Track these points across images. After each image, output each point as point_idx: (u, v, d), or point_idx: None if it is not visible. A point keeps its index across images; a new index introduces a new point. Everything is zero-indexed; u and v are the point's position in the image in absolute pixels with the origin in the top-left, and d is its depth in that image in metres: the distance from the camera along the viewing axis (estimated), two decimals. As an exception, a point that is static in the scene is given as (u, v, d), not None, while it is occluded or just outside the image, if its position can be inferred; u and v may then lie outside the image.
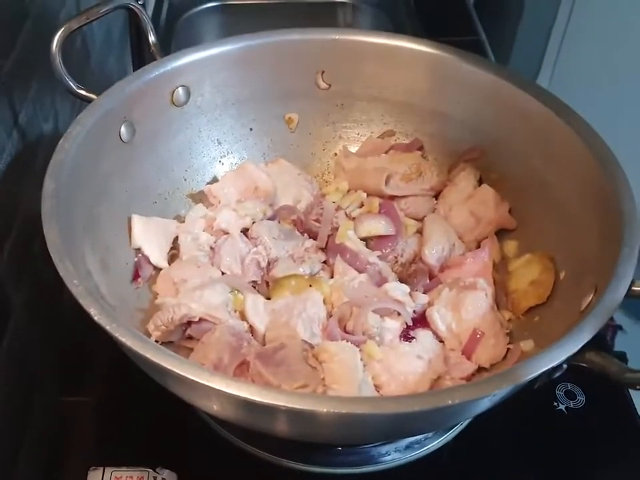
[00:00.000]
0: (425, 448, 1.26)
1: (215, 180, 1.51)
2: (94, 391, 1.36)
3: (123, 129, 1.32)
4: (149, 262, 1.34)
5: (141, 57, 1.85)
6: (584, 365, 0.99)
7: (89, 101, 1.30)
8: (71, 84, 1.31)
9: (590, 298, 1.07)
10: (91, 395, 1.35)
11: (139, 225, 1.34)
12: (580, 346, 0.95)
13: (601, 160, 1.21)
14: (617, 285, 1.02)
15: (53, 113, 1.43)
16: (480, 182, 1.45)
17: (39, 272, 1.28)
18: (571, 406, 1.32)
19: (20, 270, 1.23)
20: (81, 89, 1.32)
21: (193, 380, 0.91)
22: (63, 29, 1.27)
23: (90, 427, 1.32)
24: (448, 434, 1.28)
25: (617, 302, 1.01)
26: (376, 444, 1.25)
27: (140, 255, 1.34)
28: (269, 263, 1.35)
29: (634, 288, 1.04)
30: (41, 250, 1.09)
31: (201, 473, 1.24)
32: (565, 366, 0.98)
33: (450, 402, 0.89)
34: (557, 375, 1.00)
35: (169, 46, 2.09)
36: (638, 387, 0.95)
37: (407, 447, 1.26)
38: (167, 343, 1.23)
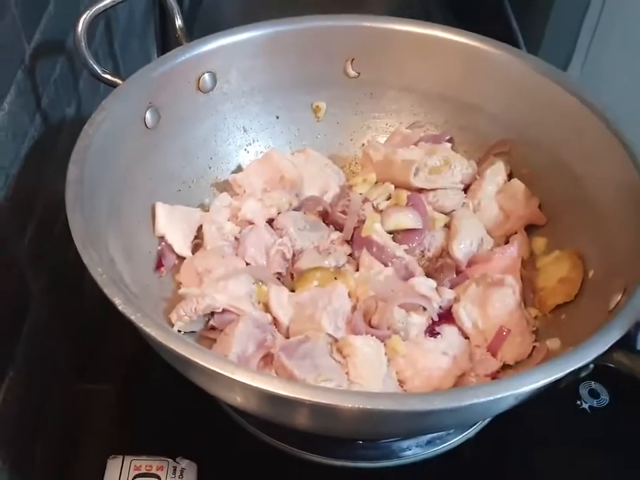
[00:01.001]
0: (447, 443, 1.27)
1: (239, 168, 1.52)
2: (113, 379, 1.38)
3: (148, 115, 1.33)
4: (173, 251, 1.35)
5: (166, 41, 1.87)
6: (611, 365, 0.99)
7: (114, 85, 1.31)
8: (96, 68, 1.31)
9: (619, 298, 1.08)
10: (111, 383, 1.37)
11: (163, 212, 1.35)
12: (607, 346, 0.96)
13: (636, 158, 1.22)
14: None
15: (76, 97, 1.43)
16: (510, 176, 1.45)
17: (58, 258, 1.29)
18: (595, 405, 1.33)
19: (40, 256, 1.24)
20: (106, 73, 1.32)
21: (217, 372, 0.92)
22: (88, 11, 1.27)
23: (109, 415, 1.35)
24: (470, 430, 1.29)
25: None
26: (396, 439, 1.26)
27: (163, 243, 1.35)
28: (294, 255, 1.36)
29: (665, 289, 1.04)
30: (61, 236, 1.11)
31: (222, 464, 1.25)
32: (591, 366, 0.99)
33: (475, 400, 0.90)
34: (584, 374, 1.00)
35: (192, 30, 2.07)
36: None
37: (429, 442, 1.27)
38: (189, 333, 1.24)
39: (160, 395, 1.33)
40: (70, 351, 1.38)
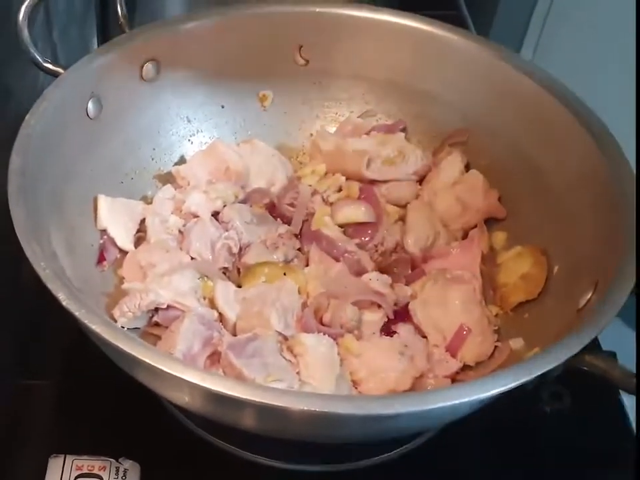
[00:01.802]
0: (404, 446, 1.25)
1: (183, 160, 1.50)
2: (54, 375, 1.35)
3: (90, 105, 1.31)
4: (115, 244, 1.33)
5: (106, 28, 1.85)
6: (584, 367, 0.97)
7: (56, 75, 1.29)
8: (38, 57, 1.30)
9: (589, 295, 1.07)
10: (51, 379, 1.34)
11: (105, 205, 1.33)
12: (581, 347, 0.94)
13: (602, 145, 1.21)
14: (622, 281, 1.01)
15: (16, 87, 1.42)
16: (467, 167, 1.44)
17: None
18: (556, 407, 1.31)
19: None
20: (47, 62, 1.31)
21: (165, 371, 0.90)
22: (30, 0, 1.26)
23: (50, 412, 1.32)
24: (427, 433, 1.26)
25: (623, 299, 0.99)
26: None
27: (105, 236, 1.33)
28: (240, 249, 1.34)
29: (642, 284, 1.03)
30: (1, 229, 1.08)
31: (165, 465, 1.23)
32: (561, 368, 0.96)
33: (440, 404, 0.88)
34: (552, 376, 0.97)
35: (132, 17, 2.05)
36: None
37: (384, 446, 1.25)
38: (133, 329, 1.23)
39: (103, 393, 1.29)
40: (8, 345, 1.36)
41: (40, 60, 1.30)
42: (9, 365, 1.35)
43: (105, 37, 1.85)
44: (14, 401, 1.31)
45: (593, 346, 0.97)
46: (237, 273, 1.33)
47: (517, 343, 1.19)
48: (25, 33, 1.26)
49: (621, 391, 1.32)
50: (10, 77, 1.40)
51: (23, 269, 1.04)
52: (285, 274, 1.28)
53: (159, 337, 1.21)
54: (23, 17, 1.25)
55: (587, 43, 2.55)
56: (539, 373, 0.91)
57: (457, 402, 0.89)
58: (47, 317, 1.32)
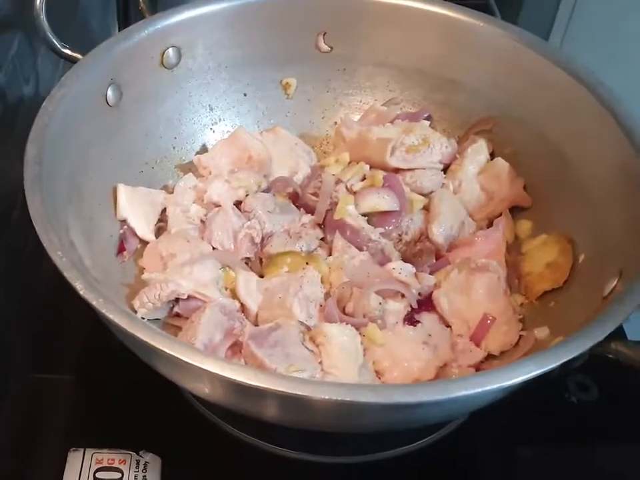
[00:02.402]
0: (428, 438, 1.26)
1: (204, 148, 1.51)
2: (74, 369, 1.36)
3: (109, 92, 1.31)
4: (135, 235, 1.34)
5: (127, 14, 1.88)
6: (609, 355, 0.97)
7: (74, 61, 1.29)
8: (56, 42, 1.31)
9: (614, 283, 1.06)
10: (72, 373, 1.35)
11: (125, 195, 1.34)
12: (605, 334, 0.94)
13: (631, 135, 1.20)
14: None
15: (34, 74, 1.42)
16: (492, 155, 1.44)
17: (17, 244, 1.28)
18: (583, 398, 1.31)
19: None
20: (66, 47, 1.32)
21: (184, 361, 0.90)
22: None
23: (70, 406, 1.32)
24: (451, 423, 1.27)
25: None
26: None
27: (125, 227, 1.33)
28: (263, 239, 1.35)
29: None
30: (19, 221, 1.09)
31: (186, 457, 1.23)
32: (586, 356, 0.96)
33: (463, 392, 0.89)
34: (577, 365, 0.98)
35: (156, 2, 2.07)
36: None
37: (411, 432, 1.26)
38: (153, 320, 1.24)
39: (122, 385, 1.30)
40: (28, 340, 1.37)
41: (58, 46, 1.31)
42: (29, 358, 1.36)
43: (126, 24, 1.83)
44: (34, 395, 1.32)
45: (619, 334, 0.97)
46: (259, 263, 1.34)
47: (542, 332, 1.18)
48: (42, 19, 1.27)
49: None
50: (28, 64, 1.40)
51: (43, 262, 1.04)
52: (307, 263, 1.29)
53: (179, 328, 1.22)
54: (40, 2, 1.26)
55: (616, 30, 2.55)
56: (563, 361, 0.92)
57: (479, 390, 0.89)
58: (66, 310, 1.33)
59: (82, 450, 1.19)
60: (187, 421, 1.27)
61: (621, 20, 2.53)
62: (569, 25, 2.67)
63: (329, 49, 1.51)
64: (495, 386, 0.90)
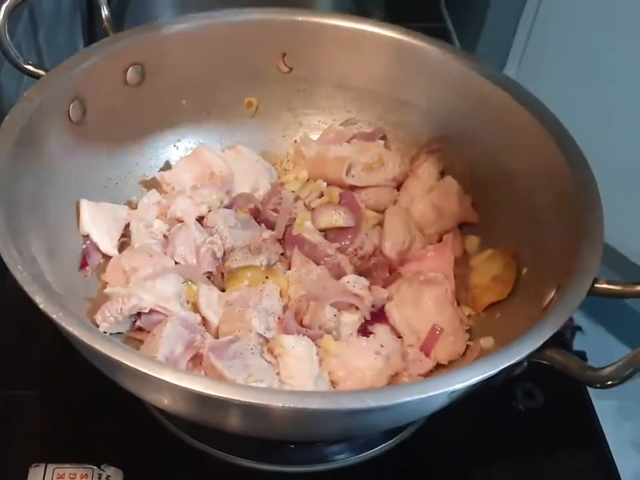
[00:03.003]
0: (380, 446, 1.28)
1: (168, 165, 1.52)
2: (35, 384, 1.35)
3: (72, 108, 1.32)
4: (98, 249, 1.35)
5: (93, 31, 1.87)
6: (545, 362, 1.02)
7: (37, 77, 1.30)
8: (18, 59, 1.31)
9: (552, 295, 1.10)
10: (32, 388, 1.34)
11: (88, 210, 1.34)
12: (541, 342, 0.98)
13: (566, 152, 1.25)
14: (580, 282, 1.06)
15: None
16: (442, 174, 1.47)
17: None
18: (530, 405, 1.35)
19: None
20: (29, 64, 1.33)
21: (144, 372, 0.92)
22: (8, 0, 1.27)
23: (31, 421, 1.32)
24: (403, 432, 1.29)
25: (580, 299, 1.04)
26: (328, 442, 1.27)
27: (88, 241, 1.34)
28: (224, 253, 1.36)
29: (597, 285, 1.07)
30: None
31: (149, 471, 1.24)
32: (525, 363, 1.01)
33: (408, 398, 0.92)
34: (518, 372, 1.03)
35: (122, 20, 2.08)
36: (598, 385, 0.98)
37: (362, 446, 1.28)
38: (115, 334, 1.24)
39: (83, 399, 1.31)
40: None
41: (20, 62, 1.32)
42: None
43: (91, 39, 1.87)
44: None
45: (560, 343, 1.02)
46: (220, 277, 1.35)
47: (487, 342, 1.23)
48: (4, 34, 1.27)
49: (588, 389, 1.37)
50: None
51: (5, 278, 1.04)
52: (267, 277, 1.32)
53: (142, 342, 1.23)
54: (3, 17, 1.27)
55: (571, 55, 2.60)
56: (501, 368, 0.96)
57: (424, 395, 0.92)
58: (28, 325, 1.33)
59: (43, 465, 1.20)
60: (149, 434, 1.27)
61: (576, 45, 2.58)
62: (525, 49, 2.72)
63: (289, 69, 1.53)
64: (439, 391, 0.94)
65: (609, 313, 2.10)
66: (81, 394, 1.31)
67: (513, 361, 0.97)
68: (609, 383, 0.97)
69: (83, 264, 1.33)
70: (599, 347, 1.12)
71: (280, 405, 0.90)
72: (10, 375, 1.36)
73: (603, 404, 1.45)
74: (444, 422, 1.26)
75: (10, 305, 1.38)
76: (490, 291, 1.30)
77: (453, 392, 0.96)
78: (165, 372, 0.92)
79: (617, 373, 0.96)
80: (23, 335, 1.40)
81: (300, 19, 1.50)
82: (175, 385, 0.91)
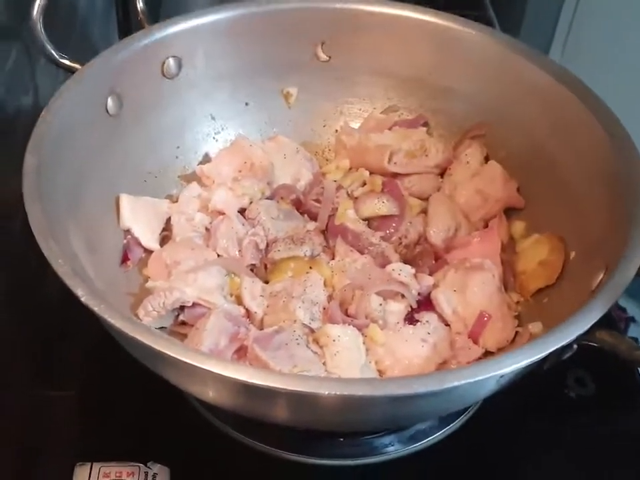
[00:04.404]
0: (430, 438, 1.28)
1: (207, 157, 1.53)
2: (78, 383, 1.36)
3: (109, 101, 1.34)
4: (139, 244, 1.37)
5: (128, 24, 1.89)
6: (594, 344, 1.02)
7: (73, 71, 1.32)
8: (54, 53, 1.33)
9: (600, 277, 1.11)
10: (75, 388, 1.36)
11: (128, 204, 1.36)
12: (590, 324, 0.99)
13: (614, 138, 1.25)
14: (628, 264, 1.06)
15: (33, 85, 1.44)
16: (487, 159, 1.48)
17: (18, 258, 1.29)
18: (582, 393, 1.35)
19: None
20: (64, 58, 1.34)
21: (188, 363, 0.93)
22: None
23: (74, 421, 1.33)
24: (455, 422, 1.30)
25: (628, 281, 1.05)
26: (378, 434, 1.27)
27: (129, 236, 1.36)
28: (267, 245, 1.38)
29: (645, 268, 1.08)
30: (20, 233, 1.11)
31: (195, 466, 1.25)
32: (575, 346, 1.02)
33: (456, 382, 0.92)
34: (568, 355, 1.03)
35: (157, 12, 2.05)
36: None
37: (411, 438, 1.28)
38: (159, 329, 1.25)
39: (127, 397, 1.33)
40: (31, 355, 1.38)
41: (56, 56, 1.33)
42: (32, 376, 1.37)
43: (126, 32, 1.82)
44: (38, 412, 1.33)
45: (610, 324, 1.03)
46: (264, 269, 1.36)
47: (536, 327, 1.23)
48: (39, 29, 1.29)
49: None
50: (27, 74, 1.42)
51: (46, 276, 1.04)
52: (310, 268, 1.33)
53: (185, 336, 1.24)
54: (37, 12, 1.28)
55: (614, 41, 2.59)
56: (550, 350, 0.96)
57: (472, 380, 0.93)
58: (71, 322, 1.35)
59: (89, 464, 1.20)
60: (194, 429, 1.28)
61: (620, 32, 2.58)
62: (569, 35, 2.72)
63: (328, 58, 1.55)
64: (487, 375, 0.95)
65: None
66: (123, 392, 1.33)
67: (562, 343, 0.97)
68: (659, 362, 0.97)
69: (124, 259, 1.35)
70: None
71: (326, 392, 0.91)
72: (52, 376, 1.37)
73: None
74: (494, 412, 1.27)
75: (50, 304, 1.38)
76: (538, 276, 1.30)
77: (501, 376, 0.97)
78: (210, 362, 0.93)
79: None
80: (62, 335, 1.40)
81: (338, 6, 1.51)
82: (220, 374, 0.92)
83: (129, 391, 1.31)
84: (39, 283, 1.33)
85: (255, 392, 0.95)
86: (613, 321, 1.46)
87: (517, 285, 1.34)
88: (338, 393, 0.91)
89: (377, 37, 1.51)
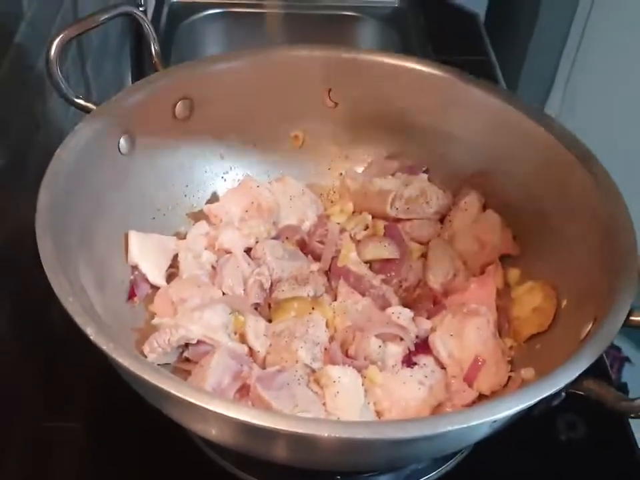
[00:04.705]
0: (424, 478, 1.31)
1: (215, 196, 1.55)
2: (80, 416, 1.38)
3: (122, 141, 1.37)
4: (146, 280, 1.38)
5: (141, 65, 1.90)
6: (582, 392, 1.05)
7: (87, 110, 1.34)
8: (69, 93, 1.35)
9: (589, 327, 1.13)
10: (77, 421, 1.37)
11: (136, 241, 1.38)
12: (577, 374, 1.01)
13: (604, 191, 1.28)
14: (615, 314, 1.09)
15: (45, 121, 1.46)
16: (484, 207, 1.50)
17: (25, 289, 1.30)
18: (572, 436, 1.37)
19: (4, 286, 1.25)
20: (79, 98, 1.36)
21: (192, 403, 0.95)
22: (62, 35, 1.31)
23: (76, 453, 1.34)
24: (448, 463, 1.32)
25: (615, 331, 1.07)
26: (374, 473, 1.29)
27: (136, 272, 1.37)
28: (271, 284, 1.39)
29: (632, 318, 1.10)
30: (28, 265, 1.12)
31: None
32: (563, 394, 1.05)
33: (450, 427, 0.95)
34: (556, 402, 1.06)
35: (168, 53, 2.14)
36: (632, 415, 1.02)
37: (407, 477, 1.31)
38: (163, 365, 1.27)
39: (129, 431, 1.34)
40: (34, 385, 1.40)
41: (72, 97, 1.35)
42: (34, 407, 1.38)
43: (138, 73, 1.91)
44: (39, 444, 1.34)
45: (601, 375, 1.05)
46: (267, 308, 1.38)
47: (528, 373, 1.24)
48: (56, 69, 1.30)
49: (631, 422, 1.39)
50: (39, 111, 1.44)
51: (51, 308, 1.06)
52: (313, 308, 1.35)
53: (189, 373, 1.26)
54: (55, 52, 1.29)
55: (610, 92, 2.62)
56: (541, 397, 0.99)
57: (466, 425, 0.96)
58: (72, 357, 1.36)
59: None
60: (196, 466, 1.30)
61: (616, 83, 2.61)
62: (568, 83, 2.75)
63: (334, 104, 1.57)
64: (481, 421, 0.97)
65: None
66: (124, 426, 1.34)
67: (550, 392, 1.00)
68: (643, 413, 1.00)
69: (131, 294, 1.36)
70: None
71: (326, 434, 0.93)
72: (54, 408, 1.39)
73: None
74: (487, 453, 1.29)
75: (54, 337, 1.39)
76: (531, 323, 1.32)
77: (494, 421, 1.00)
78: (214, 402, 0.95)
79: (650, 403, 0.99)
80: (67, 367, 1.42)
81: (345, 55, 1.53)
82: (224, 415, 0.94)
83: (131, 425, 1.33)
84: (46, 313, 1.34)
85: (258, 432, 0.97)
86: (603, 368, 1.48)
87: (511, 331, 1.36)
88: (338, 436, 0.93)
89: (382, 86, 1.54)
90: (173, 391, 0.96)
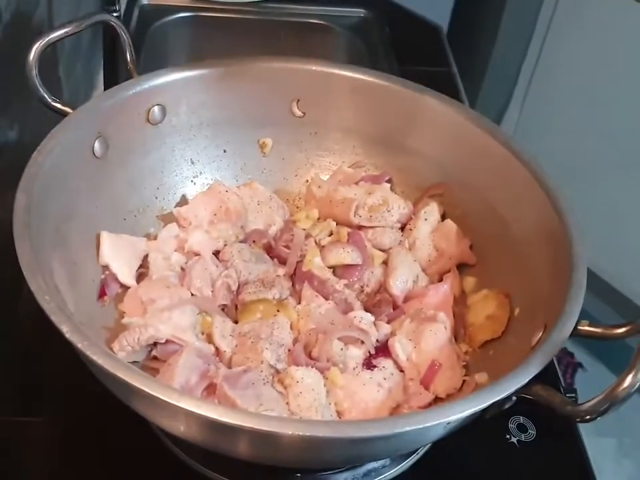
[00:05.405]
0: (382, 476, 1.34)
1: (185, 199, 1.58)
2: (48, 411, 1.39)
3: (96, 144, 1.39)
4: (116, 280, 1.39)
5: (114, 67, 1.91)
6: (531, 397, 1.09)
7: (63, 114, 1.36)
8: (46, 97, 1.37)
9: (540, 335, 1.17)
10: (43, 415, 1.38)
11: (108, 241, 1.39)
12: (527, 380, 1.06)
13: (555, 203, 1.32)
14: (564, 323, 1.13)
15: (18, 122, 1.48)
16: (443, 217, 1.54)
17: None
18: (523, 439, 1.41)
19: None
20: (56, 102, 1.38)
21: (162, 400, 0.97)
22: (41, 40, 1.32)
23: (41, 449, 1.36)
24: (405, 462, 1.35)
25: (563, 339, 1.12)
26: (334, 471, 1.32)
27: (107, 272, 1.38)
28: (238, 286, 1.42)
29: (579, 327, 1.15)
30: None
31: None
32: (513, 398, 1.08)
33: (407, 428, 0.99)
34: (507, 406, 1.10)
35: (138, 55, 2.15)
36: (578, 420, 1.05)
37: (365, 475, 1.33)
38: (131, 363, 1.27)
39: (98, 428, 1.35)
40: (3, 381, 1.41)
41: (48, 100, 1.37)
42: (3, 401, 1.38)
43: (111, 74, 1.92)
44: (7, 438, 1.34)
45: (551, 381, 1.09)
46: (234, 309, 1.40)
47: (482, 377, 1.29)
48: (34, 73, 1.32)
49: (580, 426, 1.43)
50: (14, 112, 1.45)
51: (20, 304, 1.08)
52: (278, 311, 1.37)
53: (157, 371, 1.27)
54: (34, 57, 1.31)
55: (570, 99, 2.67)
56: (492, 401, 1.04)
57: (421, 426, 1.00)
58: (42, 352, 1.38)
59: None
60: (161, 463, 1.32)
61: (573, 94, 2.66)
62: (528, 92, 2.80)
63: (302, 114, 1.61)
64: (435, 422, 1.01)
65: (610, 351, 2.17)
66: (93, 423, 1.35)
67: (501, 396, 1.04)
68: (587, 417, 1.03)
69: (102, 294, 1.37)
70: (600, 383, 1.18)
71: (290, 432, 0.96)
72: (20, 403, 1.40)
73: (603, 442, 1.51)
74: (442, 453, 1.33)
75: (23, 334, 1.42)
76: (485, 329, 1.36)
77: (448, 423, 1.04)
78: (183, 400, 0.97)
79: (594, 407, 1.02)
80: (35, 362, 1.44)
81: (313, 68, 1.57)
82: (192, 412, 0.97)
83: (100, 422, 1.34)
84: (13, 310, 1.35)
85: (224, 429, 1.00)
86: (553, 374, 1.51)
87: (466, 337, 1.39)
88: (300, 434, 0.96)
89: (348, 98, 1.58)
90: (144, 388, 0.98)
